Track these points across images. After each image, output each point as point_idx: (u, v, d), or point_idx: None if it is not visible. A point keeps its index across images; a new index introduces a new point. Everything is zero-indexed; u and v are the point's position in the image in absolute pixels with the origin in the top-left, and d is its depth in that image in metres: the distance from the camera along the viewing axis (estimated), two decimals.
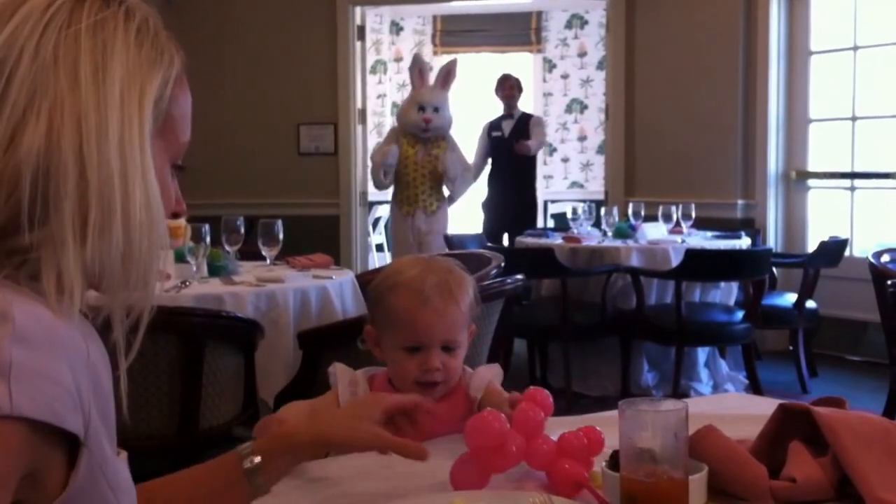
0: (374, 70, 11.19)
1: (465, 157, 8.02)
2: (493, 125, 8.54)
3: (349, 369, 1.94)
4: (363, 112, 8.27)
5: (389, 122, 10.87)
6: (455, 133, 7.99)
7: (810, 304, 6.04)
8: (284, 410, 1.90)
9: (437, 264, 1.97)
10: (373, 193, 8.67)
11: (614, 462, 1.42)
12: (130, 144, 1.04)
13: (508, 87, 8.44)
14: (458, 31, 11.32)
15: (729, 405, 2.17)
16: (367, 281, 3.64)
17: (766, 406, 1.78)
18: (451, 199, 7.96)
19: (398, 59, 11.61)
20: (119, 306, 1.07)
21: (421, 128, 7.70)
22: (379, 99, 11.56)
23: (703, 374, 5.85)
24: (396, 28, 11.35)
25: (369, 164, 8.15)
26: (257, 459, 1.39)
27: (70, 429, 0.97)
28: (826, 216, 7.13)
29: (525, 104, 8.64)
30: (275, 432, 1.50)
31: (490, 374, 1.98)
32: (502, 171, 8.33)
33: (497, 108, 8.49)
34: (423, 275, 1.91)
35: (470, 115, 9.57)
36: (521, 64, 11.02)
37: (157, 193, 1.08)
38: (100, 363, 1.06)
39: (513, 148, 8.13)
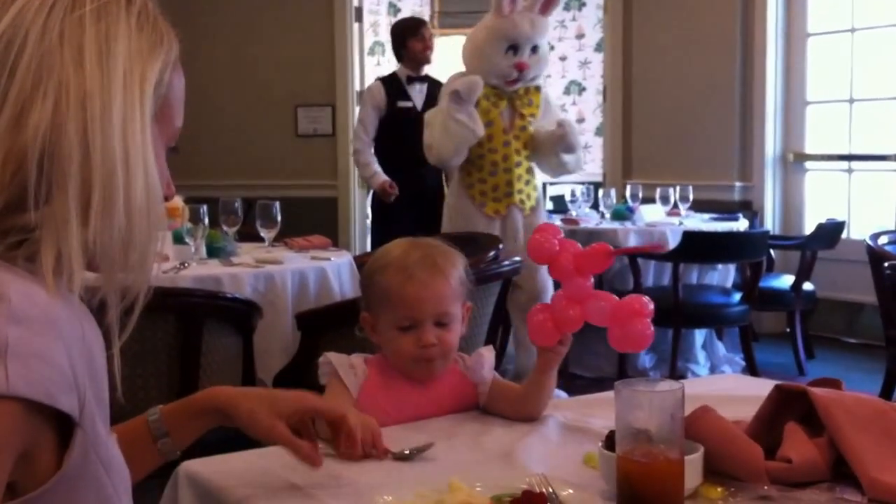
0: (371, 52, 11.15)
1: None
2: (395, 89, 6.04)
3: (342, 355, 1.94)
4: (361, 94, 8.24)
5: None
6: None
7: (807, 286, 6.05)
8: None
9: (422, 241, 2.00)
10: None
11: (610, 442, 1.42)
12: (133, 128, 1.05)
13: (430, 38, 6.13)
14: (456, 13, 11.27)
15: (725, 386, 2.17)
16: (364, 263, 3.64)
17: (762, 387, 1.78)
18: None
19: None
20: (115, 288, 1.07)
21: (510, 78, 5.00)
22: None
23: (701, 355, 5.86)
24: (394, 10, 11.30)
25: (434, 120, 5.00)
26: (157, 423, 1.47)
27: (64, 409, 0.98)
28: (823, 198, 7.13)
29: None
30: (186, 398, 1.54)
31: (489, 357, 1.99)
32: (415, 158, 5.38)
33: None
34: (407, 252, 1.93)
35: None
36: None
37: (157, 176, 1.09)
38: (95, 344, 1.07)
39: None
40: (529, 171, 5.11)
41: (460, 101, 4.84)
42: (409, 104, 6.04)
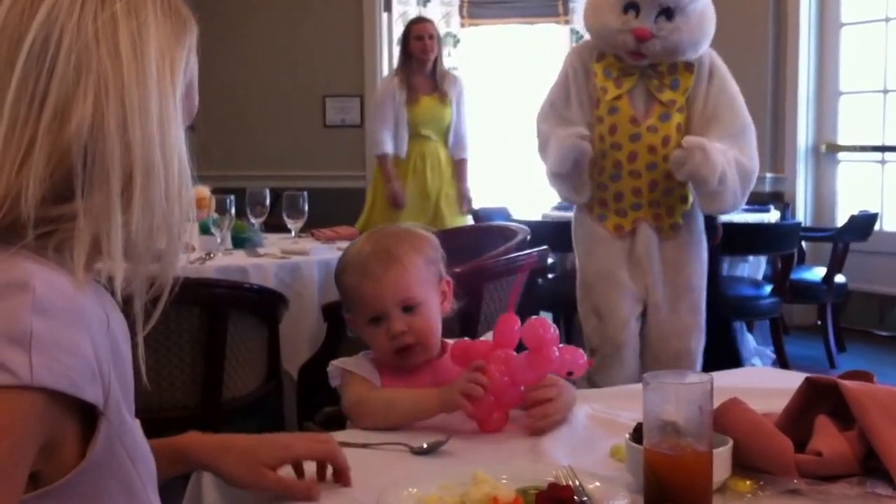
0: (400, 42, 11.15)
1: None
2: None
3: (350, 359, 1.94)
4: None
5: None
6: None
7: (839, 278, 5.99)
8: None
9: (383, 232, 2.00)
10: None
11: (638, 435, 1.41)
12: (168, 117, 1.07)
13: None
14: (485, 3, 11.25)
15: (755, 379, 2.16)
16: None
17: (792, 380, 1.76)
18: (722, 206, 3.85)
19: None
20: (144, 276, 1.07)
21: (629, 49, 3.71)
22: None
23: None
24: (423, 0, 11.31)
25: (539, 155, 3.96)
26: None
27: (89, 399, 0.98)
28: (856, 190, 7.07)
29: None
30: (166, 439, 1.46)
31: None
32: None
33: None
34: (361, 247, 1.94)
35: (495, 91, 9.33)
36: (549, 35, 10.96)
37: (187, 161, 1.11)
38: (119, 333, 1.07)
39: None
40: (668, 175, 3.72)
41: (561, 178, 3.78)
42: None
